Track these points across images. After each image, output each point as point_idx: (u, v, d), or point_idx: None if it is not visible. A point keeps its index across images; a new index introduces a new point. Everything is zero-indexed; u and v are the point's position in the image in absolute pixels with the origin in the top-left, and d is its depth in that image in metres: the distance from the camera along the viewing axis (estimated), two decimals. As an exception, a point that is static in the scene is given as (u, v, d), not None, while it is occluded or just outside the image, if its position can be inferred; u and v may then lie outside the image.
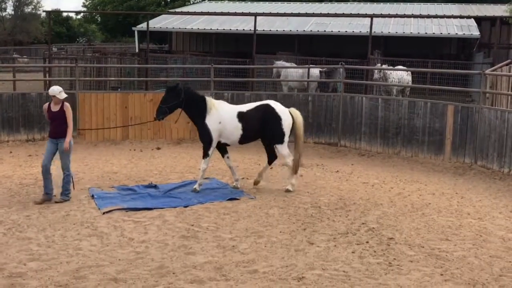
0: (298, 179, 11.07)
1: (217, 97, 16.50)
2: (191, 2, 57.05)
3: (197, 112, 10.59)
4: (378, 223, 8.82)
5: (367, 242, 7.89)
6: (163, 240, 7.90)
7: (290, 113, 10.75)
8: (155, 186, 10.92)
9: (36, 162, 12.79)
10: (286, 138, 10.70)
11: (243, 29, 29.14)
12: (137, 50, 31.57)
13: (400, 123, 14.81)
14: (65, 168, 9.88)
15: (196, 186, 10.58)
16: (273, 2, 41.44)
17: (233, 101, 16.47)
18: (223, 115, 10.55)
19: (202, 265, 6.93)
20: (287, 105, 16.07)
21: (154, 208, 9.42)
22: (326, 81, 20.70)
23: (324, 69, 20.58)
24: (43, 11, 61.07)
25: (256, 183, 11.02)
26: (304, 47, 28.76)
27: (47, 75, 22.73)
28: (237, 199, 10.09)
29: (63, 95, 9.93)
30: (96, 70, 22.81)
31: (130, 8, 54.49)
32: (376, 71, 19.61)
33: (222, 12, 31.16)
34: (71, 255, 7.22)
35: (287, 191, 10.62)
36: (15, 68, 23.69)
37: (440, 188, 11.43)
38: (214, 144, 10.62)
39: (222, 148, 10.89)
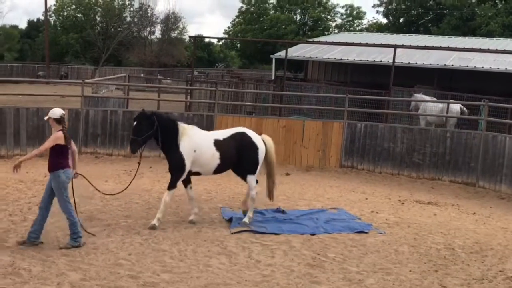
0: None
1: (350, 127, 16.42)
2: (329, 32, 57.55)
3: (170, 140, 9.53)
4: (518, 273, 8.18)
5: (506, 292, 7.34)
6: (289, 266, 7.91)
7: (263, 141, 10.21)
8: (283, 211, 10.99)
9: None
10: (258, 168, 10.13)
11: (381, 61, 28.76)
12: (273, 77, 32.33)
13: (547, 167, 13.71)
14: (63, 211, 8.32)
15: (155, 221, 9.32)
16: (413, 35, 40.61)
17: (366, 133, 16.29)
18: (198, 142, 9.69)
19: (327, 296, 6.83)
20: (423, 139, 15.72)
21: (281, 233, 9.49)
22: (467, 118, 19.76)
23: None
24: (188, 36, 64.78)
25: (243, 212, 10.31)
26: (444, 81, 27.74)
27: (188, 96, 23.95)
28: (366, 232, 9.86)
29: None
30: (234, 95, 23.63)
31: (269, 36, 56.11)
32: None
33: (360, 43, 31.00)
34: (201, 271, 7.45)
35: (244, 223, 9.74)
36: (160, 88, 25.20)
37: None
38: (185, 174, 9.64)
39: (187, 178, 9.86)
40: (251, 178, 10.03)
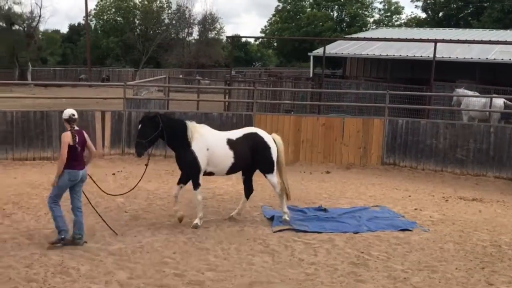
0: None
1: (391, 124, 16.24)
2: (367, 28, 56.99)
3: (180, 140, 9.49)
4: None
5: (557, 290, 7.16)
6: (333, 264, 7.89)
7: (274, 139, 10.11)
8: (324, 210, 10.95)
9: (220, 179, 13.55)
10: (275, 167, 9.99)
11: (421, 56, 28.36)
12: (311, 75, 32.21)
13: None
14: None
15: (197, 221, 9.45)
16: (453, 29, 39.86)
17: (407, 129, 16.08)
18: (210, 140, 9.60)
19: (372, 294, 6.79)
20: (465, 135, 15.43)
21: (324, 232, 9.47)
22: (511, 112, 19.30)
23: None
24: (226, 36, 65.11)
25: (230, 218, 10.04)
26: (486, 75, 27.15)
27: (227, 96, 24.08)
28: (410, 230, 9.75)
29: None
30: (272, 93, 23.64)
31: (306, 34, 55.90)
32: None
33: (399, 38, 30.62)
34: (245, 269, 7.51)
35: (285, 221, 9.76)
36: (199, 89, 25.42)
37: None
38: (202, 172, 9.55)
39: (184, 179, 9.74)
40: (271, 177, 9.95)
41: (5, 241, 8.30)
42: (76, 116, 8.34)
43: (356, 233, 9.49)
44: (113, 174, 13.72)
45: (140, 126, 9.43)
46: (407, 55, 29.08)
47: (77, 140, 8.14)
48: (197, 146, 9.44)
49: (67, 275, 7.10)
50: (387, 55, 29.74)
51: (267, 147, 9.90)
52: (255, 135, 9.98)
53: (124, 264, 7.56)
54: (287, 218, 9.84)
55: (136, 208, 10.48)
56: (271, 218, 10.09)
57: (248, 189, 10.23)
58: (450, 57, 27.69)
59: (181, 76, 49.12)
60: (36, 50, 56.20)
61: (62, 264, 7.44)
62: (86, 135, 8.46)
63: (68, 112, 8.31)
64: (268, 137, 10.05)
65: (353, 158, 16.42)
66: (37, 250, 7.95)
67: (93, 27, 66.41)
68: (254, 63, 78.05)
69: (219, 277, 7.17)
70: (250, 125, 15.87)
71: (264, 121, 16.78)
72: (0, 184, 12.05)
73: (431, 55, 23.24)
